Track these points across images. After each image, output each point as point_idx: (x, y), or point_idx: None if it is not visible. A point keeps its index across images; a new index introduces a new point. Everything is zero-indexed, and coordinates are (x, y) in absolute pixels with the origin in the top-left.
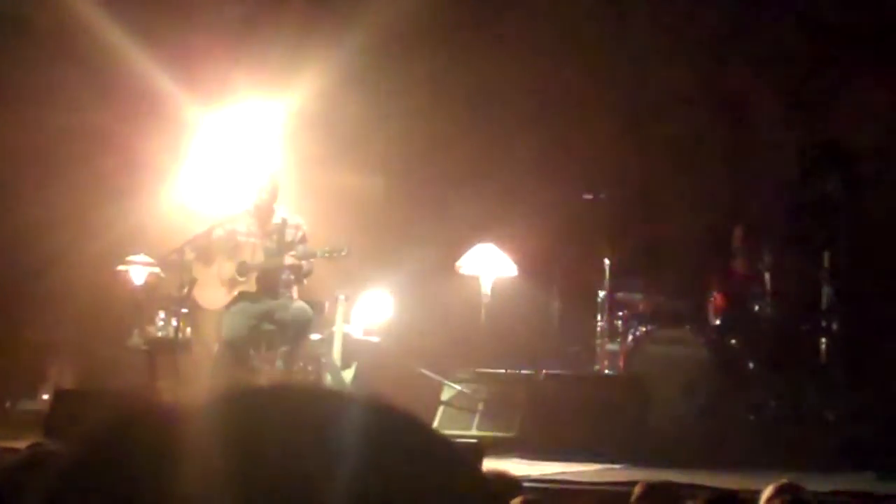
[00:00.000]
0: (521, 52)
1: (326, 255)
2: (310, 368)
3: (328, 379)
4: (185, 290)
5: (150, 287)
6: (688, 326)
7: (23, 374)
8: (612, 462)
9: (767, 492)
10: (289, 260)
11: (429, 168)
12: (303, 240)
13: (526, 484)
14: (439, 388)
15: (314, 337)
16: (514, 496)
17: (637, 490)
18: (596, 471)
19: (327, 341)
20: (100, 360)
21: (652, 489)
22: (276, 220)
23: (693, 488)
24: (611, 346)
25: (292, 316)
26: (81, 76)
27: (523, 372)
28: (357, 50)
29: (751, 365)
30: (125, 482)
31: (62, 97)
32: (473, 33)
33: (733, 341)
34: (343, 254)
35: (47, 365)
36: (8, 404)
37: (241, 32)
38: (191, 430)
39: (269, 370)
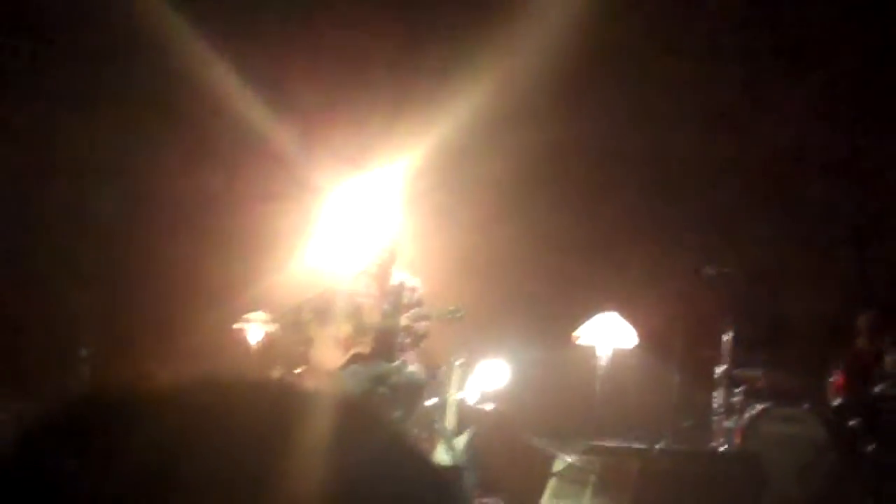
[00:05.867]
0: (647, 122)
1: (442, 316)
2: (423, 435)
3: (440, 445)
4: (302, 350)
5: (267, 346)
6: (806, 405)
7: None
8: None
9: None
10: (404, 321)
11: (551, 237)
12: (419, 302)
13: None
14: (552, 459)
15: (428, 402)
16: None
17: None
18: None
19: (441, 407)
20: None
21: None
22: (394, 282)
23: None
24: (727, 423)
25: (406, 380)
26: (216, 139)
27: (637, 446)
28: (474, 116)
29: (869, 448)
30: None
31: (197, 159)
32: (593, 97)
33: (852, 422)
34: (459, 315)
35: None
36: None
37: (370, 103)
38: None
39: None
